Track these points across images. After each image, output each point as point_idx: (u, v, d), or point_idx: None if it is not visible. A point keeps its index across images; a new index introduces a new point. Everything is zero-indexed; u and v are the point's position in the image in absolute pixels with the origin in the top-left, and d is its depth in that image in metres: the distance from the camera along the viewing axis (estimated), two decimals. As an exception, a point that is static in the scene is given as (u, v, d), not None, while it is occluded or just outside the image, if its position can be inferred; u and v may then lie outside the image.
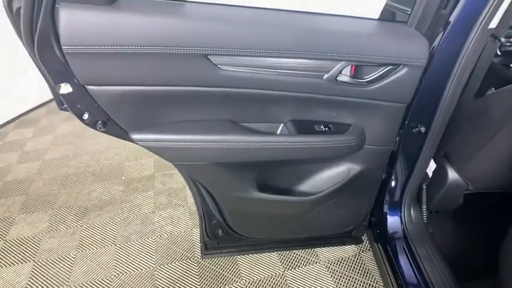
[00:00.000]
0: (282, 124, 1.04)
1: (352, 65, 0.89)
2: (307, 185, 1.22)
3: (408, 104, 0.99)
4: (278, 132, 1.05)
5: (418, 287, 1.19)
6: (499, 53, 1.22)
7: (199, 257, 1.61)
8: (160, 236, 1.75)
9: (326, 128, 1.03)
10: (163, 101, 0.90)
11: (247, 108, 0.98)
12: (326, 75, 0.89)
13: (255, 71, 0.86)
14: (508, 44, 1.21)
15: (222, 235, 1.41)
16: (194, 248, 1.67)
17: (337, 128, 1.04)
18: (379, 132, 1.06)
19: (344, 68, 0.88)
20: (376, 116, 1.02)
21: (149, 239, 1.73)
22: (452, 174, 1.23)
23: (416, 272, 1.23)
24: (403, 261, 1.30)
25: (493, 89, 1.21)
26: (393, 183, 1.31)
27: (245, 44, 0.80)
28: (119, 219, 1.86)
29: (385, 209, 1.37)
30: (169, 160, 1.00)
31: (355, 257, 1.60)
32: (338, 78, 0.90)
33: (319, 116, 1.03)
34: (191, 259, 1.61)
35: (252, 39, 0.81)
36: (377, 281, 1.48)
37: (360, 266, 1.56)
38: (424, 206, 1.37)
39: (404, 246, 1.32)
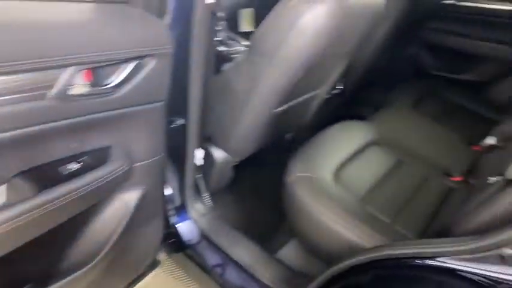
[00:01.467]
0: (5, 185, 0.63)
1: (86, 70, 0.62)
2: (78, 251, 0.85)
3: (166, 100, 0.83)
4: (1, 200, 0.63)
5: (233, 269, 1.17)
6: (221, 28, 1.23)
7: None
8: None
9: (79, 164, 0.71)
10: None
11: None
12: (51, 92, 0.58)
13: None
14: (222, 21, 1.22)
15: None
16: None
17: (95, 157, 0.74)
18: (147, 144, 0.85)
19: (75, 75, 0.60)
20: (136, 126, 0.79)
21: None
22: (217, 154, 1.22)
23: (224, 257, 1.20)
24: (209, 254, 1.24)
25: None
26: (171, 190, 1.17)
27: None
28: None
29: (173, 219, 1.23)
30: None
31: (159, 278, 1.38)
32: (70, 91, 0.61)
33: (64, 151, 0.69)
34: None
35: None
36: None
37: (171, 283, 1.37)
38: (204, 195, 1.32)
39: (204, 241, 1.25)
